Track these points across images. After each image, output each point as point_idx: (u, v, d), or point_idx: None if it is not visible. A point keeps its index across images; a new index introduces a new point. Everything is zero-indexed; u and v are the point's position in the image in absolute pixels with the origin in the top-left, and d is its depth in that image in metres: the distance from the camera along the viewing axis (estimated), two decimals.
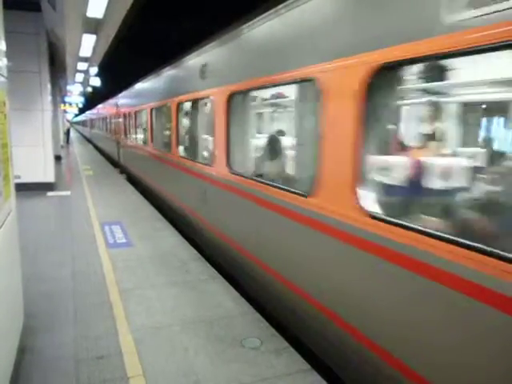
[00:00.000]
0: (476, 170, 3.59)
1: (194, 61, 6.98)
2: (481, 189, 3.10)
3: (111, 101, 20.06)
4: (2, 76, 3.38)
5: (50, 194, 11.33)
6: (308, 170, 3.82)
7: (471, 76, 4.37)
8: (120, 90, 16.32)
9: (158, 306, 4.65)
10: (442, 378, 2.53)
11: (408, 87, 4.31)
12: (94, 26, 9.51)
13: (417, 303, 2.64)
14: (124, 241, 7.01)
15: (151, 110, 10.50)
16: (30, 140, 11.14)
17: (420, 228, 2.60)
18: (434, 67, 3.91)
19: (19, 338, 3.59)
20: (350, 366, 3.35)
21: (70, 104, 37.43)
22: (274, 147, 5.51)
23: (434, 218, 2.98)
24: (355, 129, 3.08)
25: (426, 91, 4.68)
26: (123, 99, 15.85)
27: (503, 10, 2.07)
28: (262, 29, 4.63)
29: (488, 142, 5.25)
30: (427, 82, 4.41)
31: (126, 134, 15.32)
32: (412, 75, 4.00)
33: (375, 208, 3.05)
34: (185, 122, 8.39)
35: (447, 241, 2.41)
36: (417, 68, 3.81)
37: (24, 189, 9.85)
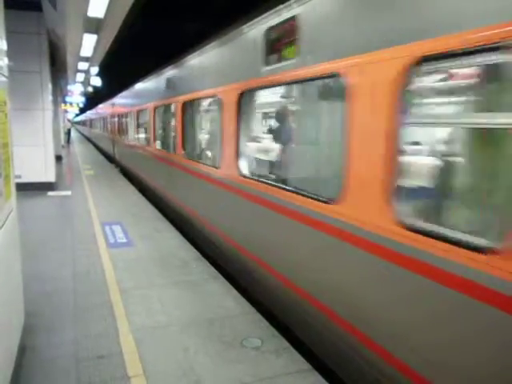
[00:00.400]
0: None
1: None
2: None
3: (107, 103, 22.67)
4: (3, 76, 3.38)
5: (50, 193, 11.34)
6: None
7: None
8: (115, 94, 17.97)
9: (159, 305, 4.65)
10: (400, 345, 2.84)
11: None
12: (94, 26, 9.49)
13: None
14: (125, 241, 7.01)
15: (137, 112, 12.86)
16: (31, 140, 11.15)
17: None
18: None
19: (20, 337, 3.59)
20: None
21: (71, 104, 37.45)
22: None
23: None
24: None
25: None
26: (116, 103, 18.32)
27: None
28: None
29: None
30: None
31: (119, 133, 17.55)
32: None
33: None
34: (158, 122, 10.53)
35: None
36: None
37: (25, 188, 9.86)
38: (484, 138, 2.73)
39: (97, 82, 21.78)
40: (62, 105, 30.83)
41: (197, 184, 6.98)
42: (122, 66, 23.56)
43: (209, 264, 6.02)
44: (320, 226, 3.64)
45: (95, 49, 12.70)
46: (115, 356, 3.65)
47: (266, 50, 4.54)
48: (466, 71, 3.07)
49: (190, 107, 7.69)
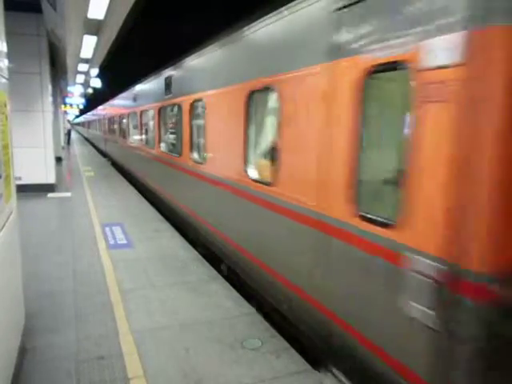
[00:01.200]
0: None
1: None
2: None
3: (100, 107, 27.62)
4: (3, 77, 3.39)
5: (50, 195, 11.34)
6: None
7: None
8: (111, 97, 20.66)
9: (159, 306, 4.66)
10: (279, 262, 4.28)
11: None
12: (94, 28, 9.51)
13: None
14: (125, 242, 7.01)
15: (119, 116, 16.78)
16: (31, 141, 11.15)
17: None
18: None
19: (20, 339, 3.59)
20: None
21: (71, 105, 37.48)
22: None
23: None
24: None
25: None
26: (106, 108, 22.91)
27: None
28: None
29: None
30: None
31: (108, 132, 21.91)
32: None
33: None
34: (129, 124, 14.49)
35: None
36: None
37: (25, 190, 9.87)
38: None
39: (97, 83, 21.79)
40: (62, 106, 30.84)
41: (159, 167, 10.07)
42: (122, 67, 23.56)
43: (209, 265, 6.02)
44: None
45: (95, 50, 12.71)
46: (115, 357, 3.66)
47: (165, 87, 8.90)
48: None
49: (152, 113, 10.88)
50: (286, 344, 3.94)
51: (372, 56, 2.96)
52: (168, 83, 8.53)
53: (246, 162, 5.05)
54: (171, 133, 9.41)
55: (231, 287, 5.26)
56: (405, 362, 2.77)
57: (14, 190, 3.61)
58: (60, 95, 26.37)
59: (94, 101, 36.75)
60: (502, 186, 2.26)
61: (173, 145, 9.19)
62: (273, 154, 4.47)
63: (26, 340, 3.78)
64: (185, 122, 7.46)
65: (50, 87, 11.96)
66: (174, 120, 9.06)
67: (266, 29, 4.55)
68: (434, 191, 2.53)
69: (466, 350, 2.41)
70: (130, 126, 14.30)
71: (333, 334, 3.46)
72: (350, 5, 3.17)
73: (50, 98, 12.11)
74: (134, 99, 12.89)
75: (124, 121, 15.61)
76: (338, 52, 3.31)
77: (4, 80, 3.41)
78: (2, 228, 2.99)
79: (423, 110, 2.57)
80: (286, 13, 4.11)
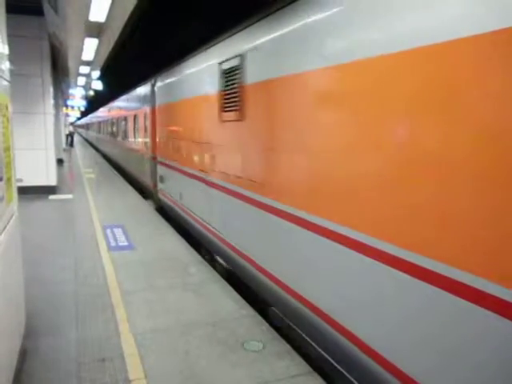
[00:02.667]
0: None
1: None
2: None
3: (95, 114, 35.21)
4: (5, 80, 3.40)
5: (52, 197, 11.36)
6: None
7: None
8: (105, 103, 24.91)
9: (160, 308, 4.65)
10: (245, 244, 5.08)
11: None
12: (96, 30, 9.54)
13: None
14: (126, 243, 7.02)
15: (100, 122, 25.32)
16: (33, 143, 11.17)
17: None
18: None
19: (21, 340, 3.59)
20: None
21: (72, 107, 37.55)
22: None
23: None
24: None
25: None
26: (95, 116, 33.54)
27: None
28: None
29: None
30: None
31: (99, 132, 30.30)
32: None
33: None
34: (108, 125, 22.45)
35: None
36: None
37: (26, 192, 9.88)
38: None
39: (98, 85, 21.85)
40: (64, 108, 30.89)
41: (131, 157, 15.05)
42: (124, 69, 23.63)
43: (210, 267, 6.02)
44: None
45: (96, 53, 12.75)
46: (116, 359, 3.65)
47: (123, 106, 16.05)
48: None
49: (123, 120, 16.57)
50: (287, 346, 3.94)
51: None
52: (123, 106, 16.16)
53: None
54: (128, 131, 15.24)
55: (232, 289, 5.26)
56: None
57: (15, 192, 3.62)
58: (61, 97, 26.42)
59: (95, 103, 36.83)
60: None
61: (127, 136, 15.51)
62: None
63: (27, 342, 3.78)
64: (137, 125, 12.97)
65: (51, 89, 11.99)
66: (129, 125, 14.58)
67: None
68: None
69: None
70: (109, 128, 21.96)
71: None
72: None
73: (52, 100, 12.14)
74: (111, 110, 20.96)
75: (103, 124, 25.99)
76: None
77: (6, 82, 3.42)
78: (4, 230, 2.99)
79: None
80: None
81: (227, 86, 5.42)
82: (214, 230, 6.11)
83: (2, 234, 2.93)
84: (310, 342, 3.78)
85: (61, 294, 5.04)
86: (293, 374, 3.48)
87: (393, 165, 2.76)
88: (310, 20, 3.62)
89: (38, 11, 10.14)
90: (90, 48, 11.99)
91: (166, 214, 9.39)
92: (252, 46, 4.72)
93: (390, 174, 2.79)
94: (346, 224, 3.17)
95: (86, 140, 48.01)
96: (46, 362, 3.62)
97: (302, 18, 3.74)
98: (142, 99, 11.73)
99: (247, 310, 4.67)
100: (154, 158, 10.39)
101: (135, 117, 12.99)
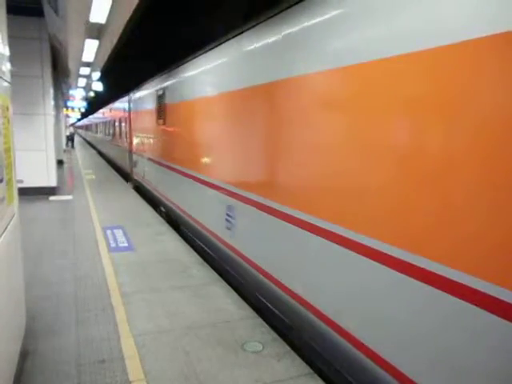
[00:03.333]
0: None
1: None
2: None
3: (91, 116, 41.25)
4: (6, 81, 3.40)
5: (52, 198, 11.36)
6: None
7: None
8: (100, 107, 28.76)
9: (160, 309, 4.66)
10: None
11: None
12: (96, 32, 9.55)
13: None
14: (126, 245, 7.02)
15: (96, 123, 31.45)
16: (33, 144, 11.18)
17: None
18: None
19: (22, 342, 3.59)
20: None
21: (73, 108, 37.56)
22: None
23: None
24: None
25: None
26: (93, 118, 37.60)
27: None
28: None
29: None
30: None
31: (96, 132, 34.01)
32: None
33: None
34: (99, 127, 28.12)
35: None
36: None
37: (26, 193, 9.89)
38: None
39: (98, 86, 21.86)
40: (64, 109, 30.90)
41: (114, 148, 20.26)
42: (124, 70, 23.66)
43: (210, 268, 6.02)
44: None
45: (97, 54, 12.76)
46: (116, 360, 3.66)
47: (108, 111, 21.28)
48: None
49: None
50: (287, 347, 3.94)
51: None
52: (111, 112, 20.41)
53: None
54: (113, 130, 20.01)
55: (232, 290, 5.26)
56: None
57: (16, 193, 3.62)
58: (62, 98, 26.45)
59: (94, 104, 36.90)
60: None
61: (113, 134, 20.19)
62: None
63: (27, 343, 3.78)
64: (120, 127, 17.02)
65: (51, 90, 11.99)
66: (116, 126, 18.63)
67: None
68: None
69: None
70: (102, 128, 26.88)
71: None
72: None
73: (52, 101, 12.14)
74: (103, 114, 25.47)
75: (99, 126, 29.63)
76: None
77: (6, 84, 3.43)
78: (4, 231, 2.99)
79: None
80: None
81: (159, 104, 9.33)
82: (158, 191, 10.12)
83: (3, 235, 2.93)
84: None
85: (61, 294, 5.04)
86: (293, 376, 3.49)
87: (320, 162, 3.46)
88: (185, 75, 7.55)
89: (39, 12, 10.15)
90: (90, 49, 11.99)
91: (139, 190, 12.90)
92: (167, 84, 8.70)
93: (315, 168, 3.52)
94: (252, 191, 4.78)
95: (84, 139, 52.94)
96: (46, 363, 3.62)
97: (180, 77, 7.86)
98: (123, 108, 15.74)
99: (247, 311, 4.67)
100: (130, 151, 14.63)
101: (120, 120, 17.18)
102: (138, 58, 22.04)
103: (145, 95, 11.21)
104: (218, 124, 5.79)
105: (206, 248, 6.51)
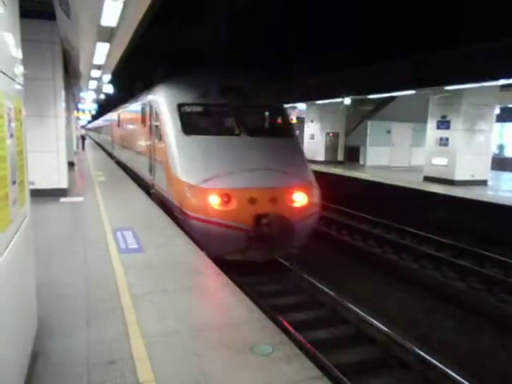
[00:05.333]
0: None
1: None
2: None
3: (97, 120, 48.31)
4: (19, 84, 3.44)
5: (63, 200, 11.45)
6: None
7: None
8: (110, 109, 32.37)
9: (170, 311, 4.67)
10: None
11: None
12: (107, 35, 9.63)
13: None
14: (136, 246, 7.05)
15: (101, 126, 40.20)
16: (44, 146, 11.25)
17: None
18: None
19: (33, 342, 3.62)
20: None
21: (83, 111, 37.88)
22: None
23: None
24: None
25: None
26: (98, 122, 45.90)
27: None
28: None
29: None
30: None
31: (99, 133, 42.38)
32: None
33: None
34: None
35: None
36: None
37: (37, 195, 9.96)
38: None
39: (109, 89, 22.04)
40: (75, 112, 31.21)
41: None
42: (134, 73, 23.85)
43: (220, 271, 6.03)
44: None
45: (108, 57, 12.86)
46: (126, 361, 3.67)
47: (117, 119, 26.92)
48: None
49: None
50: (296, 350, 3.93)
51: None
52: (108, 119, 30.55)
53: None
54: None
55: (242, 293, 5.26)
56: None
57: (28, 194, 3.66)
58: (73, 101, 26.70)
59: (105, 106, 37.27)
60: None
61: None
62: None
63: (38, 343, 3.81)
64: (111, 129, 26.78)
65: (63, 93, 12.10)
66: (109, 129, 28.58)
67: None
68: None
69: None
70: (102, 130, 36.27)
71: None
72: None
73: (63, 104, 12.25)
74: (104, 120, 33.77)
75: (102, 128, 36.97)
76: None
77: (19, 87, 3.46)
78: (17, 232, 3.02)
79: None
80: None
81: (120, 119, 20.96)
82: (117, 156, 22.46)
83: (16, 236, 2.96)
84: None
85: (71, 295, 5.08)
86: (302, 379, 3.47)
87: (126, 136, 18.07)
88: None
89: (50, 16, 10.25)
90: (101, 52, 12.09)
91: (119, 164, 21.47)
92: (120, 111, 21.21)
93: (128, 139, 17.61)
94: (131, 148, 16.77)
95: (92, 138, 56.88)
96: (57, 363, 3.65)
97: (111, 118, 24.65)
98: (115, 117, 23.51)
99: (256, 314, 4.66)
100: (112, 142, 25.21)
101: (111, 125, 26.00)
102: (149, 60, 22.21)
103: (117, 113, 22.49)
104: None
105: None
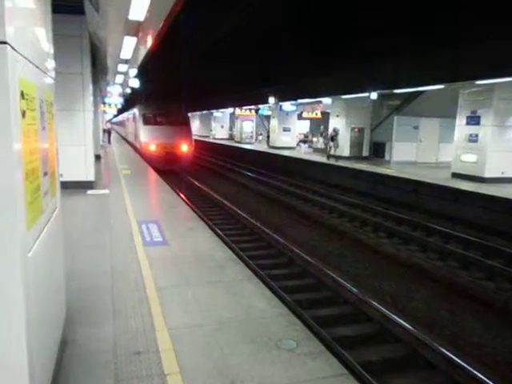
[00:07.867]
0: None
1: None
2: None
3: (121, 116, 53.35)
4: (51, 78, 3.50)
5: (90, 192, 11.65)
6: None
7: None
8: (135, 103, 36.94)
9: (194, 304, 4.70)
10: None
11: None
12: (135, 29, 9.71)
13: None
14: (160, 239, 7.12)
15: (121, 122, 50.90)
16: (72, 139, 11.44)
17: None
18: None
19: (61, 332, 3.70)
20: None
21: (109, 105, 38.46)
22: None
23: None
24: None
25: None
26: (120, 118, 54.93)
27: None
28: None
29: None
30: None
31: (122, 126, 48.62)
32: None
33: None
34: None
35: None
36: None
37: (65, 187, 10.12)
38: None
39: (135, 83, 22.28)
40: (101, 105, 31.70)
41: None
42: (161, 68, 24.10)
43: (244, 265, 6.03)
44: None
45: (134, 51, 12.99)
46: (152, 353, 3.71)
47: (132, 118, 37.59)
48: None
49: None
50: (321, 347, 3.90)
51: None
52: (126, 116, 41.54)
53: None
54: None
55: (266, 288, 5.25)
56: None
57: (58, 186, 3.72)
58: (100, 95, 27.12)
59: (130, 100, 38.04)
60: None
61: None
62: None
63: (66, 333, 3.89)
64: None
65: (90, 87, 12.28)
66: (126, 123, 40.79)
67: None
68: None
69: None
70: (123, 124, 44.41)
71: None
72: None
73: (91, 98, 12.43)
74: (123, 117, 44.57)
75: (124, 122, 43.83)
76: None
77: (51, 80, 3.52)
78: (47, 223, 3.08)
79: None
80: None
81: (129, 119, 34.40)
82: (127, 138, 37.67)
83: (46, 227, 3.01)
84: None
85: (98, 286, 5.17)
86: (327, 375, 3.45)
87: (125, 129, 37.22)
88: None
89: (80, 10, 10.40)
90: (128, 46, 12.21)
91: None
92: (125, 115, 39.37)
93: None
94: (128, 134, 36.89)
95: (117, 132, 63.87)
96: (84, 353, 3.72)
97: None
98: (132, 115, 30.61)
99: (280, 309, 4.65)
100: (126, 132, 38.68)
101: (128, 120, 35.51)
102: (175, 55, 22.41)
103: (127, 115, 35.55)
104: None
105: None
